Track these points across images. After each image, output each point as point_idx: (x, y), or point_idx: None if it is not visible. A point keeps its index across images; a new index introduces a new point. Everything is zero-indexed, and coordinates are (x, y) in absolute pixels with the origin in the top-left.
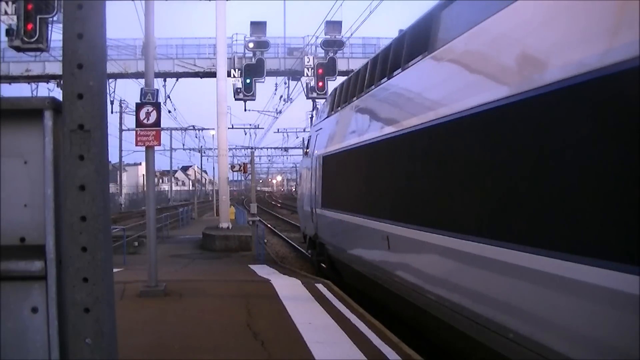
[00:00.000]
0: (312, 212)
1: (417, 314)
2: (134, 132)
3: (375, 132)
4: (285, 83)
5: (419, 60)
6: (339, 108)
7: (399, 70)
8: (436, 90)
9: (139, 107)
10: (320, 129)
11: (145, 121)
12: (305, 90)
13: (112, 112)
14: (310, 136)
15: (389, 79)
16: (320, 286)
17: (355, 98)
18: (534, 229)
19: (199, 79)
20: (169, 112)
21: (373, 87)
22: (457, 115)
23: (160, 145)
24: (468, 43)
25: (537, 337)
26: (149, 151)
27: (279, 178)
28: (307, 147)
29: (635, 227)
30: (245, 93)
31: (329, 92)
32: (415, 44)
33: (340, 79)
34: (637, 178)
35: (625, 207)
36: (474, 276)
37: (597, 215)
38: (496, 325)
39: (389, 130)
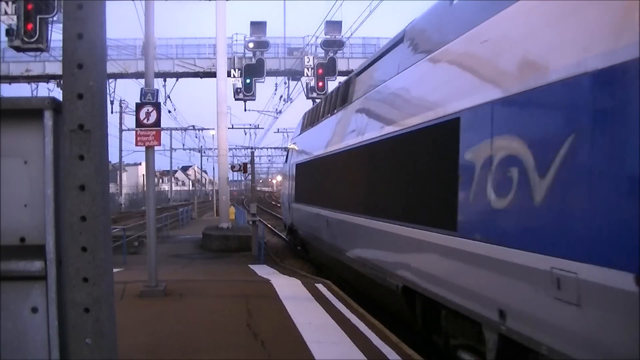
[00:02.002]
0: (289, 206)
1: (341, 266)
2: (134, 132)
3: (321, 150)
4: (285, 83)
5: (343, 108)
6: (306, 129)
7: (335, 111)
8: (349, 129)
9: (139, 107)
10: (295, 142)
11: (145, 121)
12: (305, 90)
13: (112, 112)
14: (290, 148)
15: (331, 115)
16: (320, 286)
17: (315, 123)
18: (392, 210)
19: (199, 79)
20: (169, 112)
21: (323, 119)
22: (357, 145)
23: (160, 145)
24: (362, 102)
25: (385, 266)
26: (149, 151)
27: (279, 178)
28: (287, 156)
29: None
30: (245, 93)
31: (329, 92)
32: (342, 95)
33: (341, 79)
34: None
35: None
36: (369, 239)
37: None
38: (371, 263)
39: (327, 150)
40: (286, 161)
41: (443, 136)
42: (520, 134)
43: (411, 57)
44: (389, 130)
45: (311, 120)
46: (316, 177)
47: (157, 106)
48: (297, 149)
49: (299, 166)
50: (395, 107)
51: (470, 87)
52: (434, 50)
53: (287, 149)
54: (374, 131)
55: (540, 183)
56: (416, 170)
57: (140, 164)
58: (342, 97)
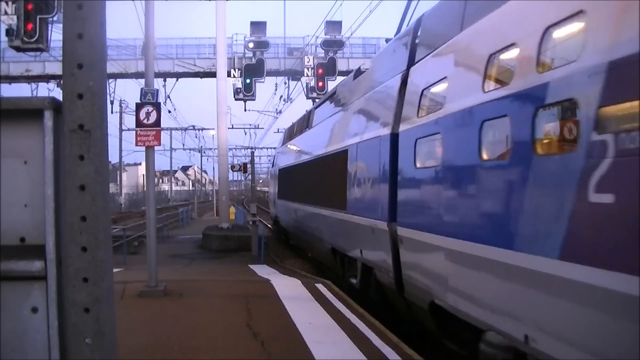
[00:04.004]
0: (274, 202)
1: (305, 242)
2: (134, 132)
3: (292, 160)
4: (285, 83)
5: (305, 131)
6: (286, 142)
7: (302, 132)
8: (306, 147)
9: (139, 107)
10: (279, 152)
11: (145, 121)
12: (305, 90)
13: (112, 112)
14: (275, 155)
15: (299, 135)
16: (320, 286)
17: (291, 138)
18: (323, 198)
19: (199, 79)
20: (169, 112)
21: (295, 136)
22: (308, 159)
23: (160, 145)
24: (318, 129)
25: (316, 233)
26: (149, 151)
27: None
28: (273, 161)
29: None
30: (245, 93)
31: (329, 92)
32: (305, 121)
33: (340, 79)
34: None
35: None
36: (315, 220)
37: (330, 194)
38: (316, 235)
39: (295, 161)
40: (272, 166)
41: (342, 158)
42: (362, 160)
43: (335, 106)
44: (321, 152)
45: (289, 135)
46: (289, 179)
47: (157, 106)
48: (279, 156)
49: (280, 170)
50: (326, 138)
51: (351, 133)
52: (345, 105)
53: (274, 155)
54: (316, 151)
55: (366, 184)
56: (332, 177)
57: (140, 164)
58: (306, 123)
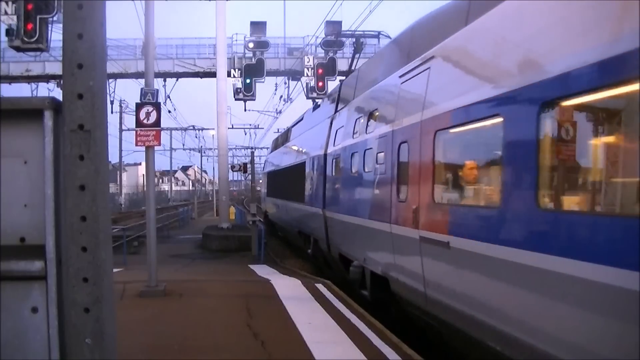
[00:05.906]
0: (264, 199)
1: (285, 230)
2: (134, 132)
3: (275, 166)
4: (285, 83)
5: (285, 144)
6: (273, 151)
7: (284, 144)
8: (287, 157)
9: (139, 107)
10: (268, 158)
11: (145, 121)
12: (305, 90)
13: (112, 112)
14: (265, 161)
15: (282, 146)
16: (320, 286)
17: (277, 148)
18: (293, 195)
19: (199, 79)
20: (169, 112)
21: (280, 147)
22: (287, 165)
23: (160, 145)
24: (291, 144)
25: (292, 220)
26: (149, 151)
27: None
28: (264, 165)
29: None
30: (245, 93)
31: (329, 92)
32: (285, 137)
33: (340, 79)
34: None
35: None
36: (288, 210)
37: (294, 190)
38: (290, 223)
39: (276, 166)
40: (264, 169)
41: (303, 166)
42: (312, 169)
43: (303, 128)
44: (293, 161)
45: (275, 146)
46: (274, 181)
47: (157, 106)
48: (268, 162)
49: (269, 173)
50: (296, 151)
51: (308, 149)
52: (308, 129)
53: (265, 161)
54: (290, 160)
55: (313, 184)
56: (297, 180)
57: (140, 164)
58: (287, 137)
